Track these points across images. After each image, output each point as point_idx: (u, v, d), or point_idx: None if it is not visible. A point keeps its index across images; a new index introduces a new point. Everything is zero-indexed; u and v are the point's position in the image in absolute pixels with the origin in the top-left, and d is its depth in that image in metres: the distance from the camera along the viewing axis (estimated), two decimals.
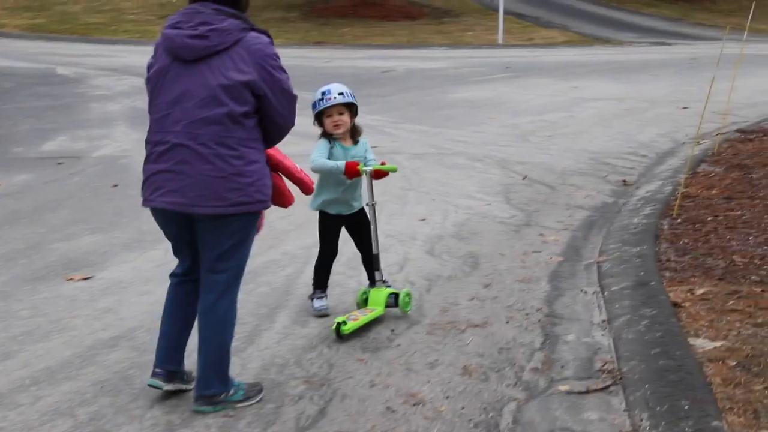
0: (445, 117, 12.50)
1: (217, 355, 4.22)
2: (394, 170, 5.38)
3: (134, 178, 8.94)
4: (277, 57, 4.09)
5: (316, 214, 5.57)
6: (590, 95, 14.89)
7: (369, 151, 5.40)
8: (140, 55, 20.73)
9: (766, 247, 6.20)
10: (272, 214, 7.50)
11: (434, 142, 10.56)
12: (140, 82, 15.68)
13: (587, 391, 4.34)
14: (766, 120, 12.09)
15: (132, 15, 30.62)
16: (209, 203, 3.97)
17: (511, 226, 7.31)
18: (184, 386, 4.36)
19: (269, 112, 4.09)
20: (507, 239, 6.94)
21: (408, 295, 5.45)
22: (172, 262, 6.28)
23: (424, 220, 7.34)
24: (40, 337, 5.05)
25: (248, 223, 4.15)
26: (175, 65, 3.98)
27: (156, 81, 4.05)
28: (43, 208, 7.78)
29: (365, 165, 5.29)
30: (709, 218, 6.97)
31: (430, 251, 6.62)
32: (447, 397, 4.28)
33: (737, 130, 11.11)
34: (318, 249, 5.55)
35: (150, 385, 4.28)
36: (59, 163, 9.66)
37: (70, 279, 6.03)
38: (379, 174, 5.32)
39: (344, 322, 5.00)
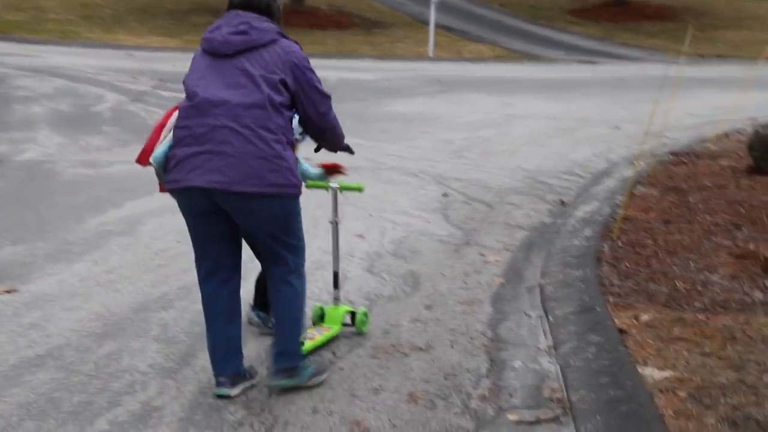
0: (380, 130, 12.36)
1: (294, 328, 4.41)
2: (360, 189, 5.25)
3: (59, 184, 8.66)
4: (308, 61, 4.32)
5: None
6: (523, 112, 14.90)
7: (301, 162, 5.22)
8: (63, 56, 20.28)
9: (707, 273, 6.17)
10: None
11: (369, 156, 10.38)
12: (63, 83, 15.18)
13: (537, 421, 4.22)
14: (697, 142, 12.19)
15: (54, 14, 29.89)
16: (250, 181, 4.06)
17: (450, 244, 7.18)
18: (249, 383, 4.50)
19: (304, 108, 4.32)
20: (447, 258, 6.82)
21: (365, 314, 5.32)
22: (99, 276, 6.08)
23: (361, 236, 7.18)
24: None
25: (290, 205, 4.27)
26: (215, 61, 4.19)
27: (194, 73, 4.24)
28: None
29: (312, 178, 5.12)
30: (649, 242, 6.93)
31: (369, 269, 6.46)
32: (393, 426, 4.12)
33: (670, 152, 11.17)
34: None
35: (218, 396, 4.36)
36: None
37: None
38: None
39: (301, 343, 4.81)
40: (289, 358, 4.40)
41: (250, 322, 5.29)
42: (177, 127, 4.24)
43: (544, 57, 28.66)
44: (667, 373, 4.55)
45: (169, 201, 7.89)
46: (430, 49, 28.03)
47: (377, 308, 5.65)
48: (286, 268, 4.36)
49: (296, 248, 4.41)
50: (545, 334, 5.35)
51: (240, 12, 4.30)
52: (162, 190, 4.56)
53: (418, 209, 8.25)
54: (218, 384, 4.40)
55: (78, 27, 28.34)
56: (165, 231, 7.18)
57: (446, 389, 4.54)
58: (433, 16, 28.41)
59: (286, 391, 4.44)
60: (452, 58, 27.57)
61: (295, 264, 4.40)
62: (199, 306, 5.51)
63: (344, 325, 5.25)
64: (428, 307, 5.74)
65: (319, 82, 4.36)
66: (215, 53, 4.20)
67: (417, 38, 30.54)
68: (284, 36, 4.30)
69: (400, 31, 32.89)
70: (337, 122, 4.57)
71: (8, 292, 5.72)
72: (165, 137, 4.39)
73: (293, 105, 4.30)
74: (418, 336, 5.25)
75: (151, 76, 16.98)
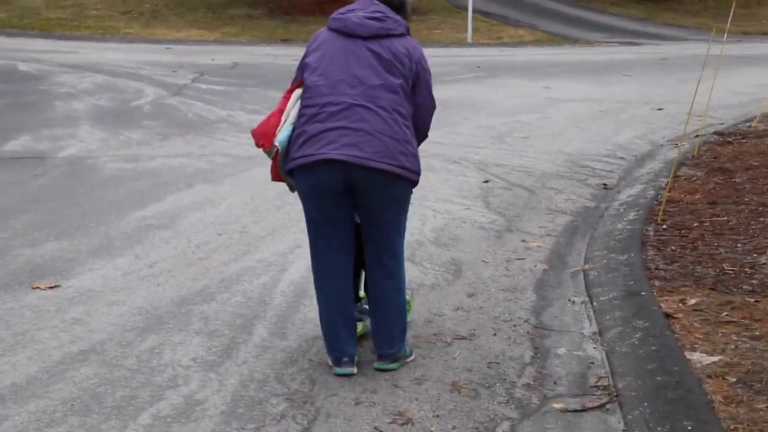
0: None
1: (400, 314, 4.57)
2: None
3: (100, 179, 8.70)
4: (427, 62, 4.50)
5: (291, 219, 5.31)
6: (563, 96, 14.73)
7: None
8: (104, 52, 20.41)
9: (755, 255, 6.05)
10: (244, 218, 7.32)
11: None
12: (103, 79, 15.30)
13: (583, 409, 4.16)
14: (742, 122, 11.98)
15: (94, 11, 30.07)
16: (385, 160, 4.19)
17: (492, 231, 7.11)
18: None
19: (414, 106, 4.43)
20: (489, 245, 6.75)
21: (409, 302, 5.22)
22: (141, 270, 6.10)
23: None
24: (4, 350, 4.77)
25: (408, 191, 4.41)
26: (344, 41, 4.34)
27: (323, 51, 4.37)
28: (5, 212, 7.45)
29: None
30: (695, 224, 6.81)
31: (411, 258, 6.39)
32: (437, 416, 4.08)
33: (715, 133, 10.98)
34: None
35: (340, 374, 4.46)
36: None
37: (36, 287, 5.73)
38: None
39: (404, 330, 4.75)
40: (395, 344, 4.54)
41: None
42: (307, 106, 4.33)
43: (584, 39, 28.37)
44: (715, 358, 4.46)
45: (208, 194, 7.98)
46: (469, 35, 27.85)
47: (419, 297, 5.60)
48: (393, 253, 4.49)
49: (402, 237, 4.55)
50: (590, 320, 5.27)
51: (375, 0, 4.46)
52: (274, 178, 4.61)
53: (459, 196, 8.17)
54: (341, 364, 4.49)
55: (117, 23, 28.52)
56: (206, 224, 7.17)
57: (490, 378, 4.49)
58: (471, 1, 28.22)
59: (328, 382, 4.42)
60: (491, 43, 27.38)
61: (400, 249, 4.54)
62: (239, 299, 5.58)
63: None
64: (471, 295, 5.68)
65: (432, 85, 4.51)
66: (350, 33, 4.34)
67: (455, 24, 30.35)
68: (409, 33, 4.49)
69: (438, 18, 32.68)
70: (428, 130, 4.69)
71: (51, 287, 5.75)
72: (285, 121, 4.42)
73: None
74: (460, 324, 5.19)
75: (190, 69, 17.02)
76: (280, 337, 5.00)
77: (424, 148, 9.52)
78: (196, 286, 5.82)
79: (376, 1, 4.47)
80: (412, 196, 4.56)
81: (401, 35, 4.40)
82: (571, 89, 15.58)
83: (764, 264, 5.87)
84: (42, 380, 4.42)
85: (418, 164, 4.40)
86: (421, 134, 4.60)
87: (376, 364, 4.58)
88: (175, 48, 22.27)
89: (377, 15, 4.37)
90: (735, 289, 5.44)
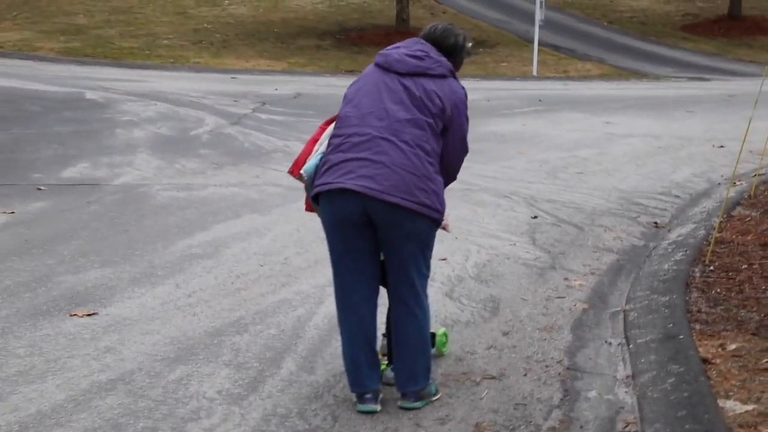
0: (474, 151, 11.89)
1: (423, 351, 4.49)
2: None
3: (151, 207, 8.80)
4: (467, 108, 4.52)
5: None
6: (624, 131, 14.54)
7: None
8: (171, 81, 20.72)
9: None
10: (288, 250, 7.33)
11: (461, 177, 9.97)
12: (166, 107, 15.56)
13: None
14: None
15: (166, 40, 30.63)
16: (400, 194, 4.19)
17: (534, 268, 7.02)
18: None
19: (444, 147, 4.42)
20: (530, 283, 6.66)
21: (445, 335, 5.26)
22: (179, 300, 6.14)
23: (444, 259, 7.05)
24: (35, 377, 4.83)
25: (428, 228, 4.37)
26: (385, 75, 4.41)
27: (362, 84, 4.48)
28: (55, 238, 7.58)
29: None
30: (743, 266, 6.64)
31: (449, 294, 6.35)
32: None
33: None
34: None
35: (363, 411, 4.43)
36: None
37: (74, 315, 5.81)
38: None
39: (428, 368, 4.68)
40: (419, 382, 4.48)
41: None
42: (334, 135, 4.40)
43: (652, 74, 28.05)
44: (750, 407, 4.32)
45: (255, 224, 8.02)
46: (534, 68, 27.73)
47: (453, 334, 5.53)
48: (413, 290, 4.43)
49: (424, 275, 4.48)
50: (624, 363, 5.15)
51: (423, 40, 4.55)
52: (308, 209, 4.71)
53: (506, 232, 8.09)
54: (364, 401, 4.46)
55: (188, 52, 28.98)
56: (249, 254, 7.21)
57: (515, 420, 4.41)
58: (537, 35, 28.12)
59: (351, 420, 4.38)
60: (557, 76, 27.21)
61: (422, 287, 4.47)
62: (272, 332, 5.58)
63: None
64: (505, 334, 5.60)
65: (467, 130, 4.52)
66: (388, 68, 4.42)
67: (522, 57, 30.27)
68: (455, 77, 4.49)
69: (505, 50, 32.62)
70: (457, 173, 4.69)
71: (89, 315, 5.81)
72: (317, 150, 4.53)
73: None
74: (492, 363, 5.12)
75: (253, 99, 17.19)
76: (308, 372, 4.98)
77: (475, 182, 9.51)
78: (231, 317, 5.84)
79: (424, 41, 4.54)
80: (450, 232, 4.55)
81: (441, 76, 4.43)
82: (632, 124, 15.37)
83: None
84: (67, 409, 4.46)
85: (440, 202, 4.37)
86: (448, 176, 4.58)
87: (399, 402, 4.54)
88: (241, 78, 22.52)
89: (418, 54, 4.43)
90: None
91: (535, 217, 8.64)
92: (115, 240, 7.61)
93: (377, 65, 4.50)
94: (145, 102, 15.91)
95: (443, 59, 4.47)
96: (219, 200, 9.11)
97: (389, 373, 4.71)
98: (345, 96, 4.56)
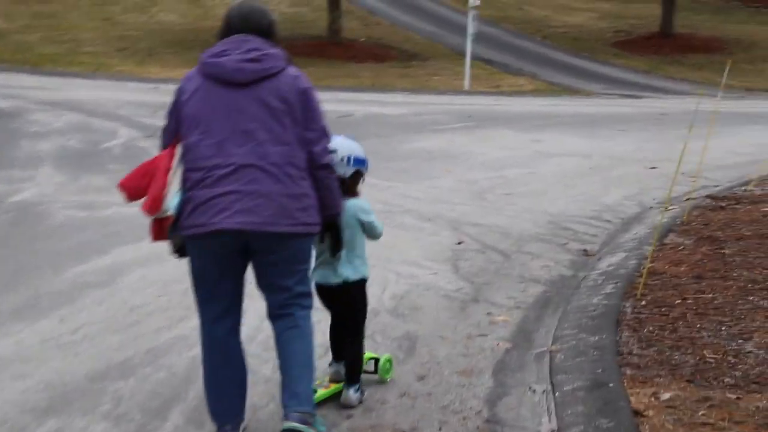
0: (398, 169, 11.62)
1: (308, 370, 4.20)
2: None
3: (47, 228, 8.14)
4: (314, 90, 4.17)
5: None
6: (553, 150, 14.17)
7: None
8: (90, 89, 19.95)
9: (740, 341, 5.46)
10: (187, 280, 6.73)
11: (383, 198, 9.68)
12: (79, 118, 14.80)
13: None
14: (738, 185, 11.37)
15: (90, 47, 29.77)
16: (283, 222, 3.94)
17: (456, 301, 6.52)
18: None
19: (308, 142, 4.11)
20: (450, 318, 6.16)
21: (389, 360, 4.99)
22: (62, 336, 5.51)
23: None
24: None
25: (309, 243, 4.20)
26: (223, 91, 3.97)
27: (200, 104, 3.98)
28: None
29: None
30: (677, 301, 6.22)
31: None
32: None
33: (708, 196, 10.37)
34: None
35: None
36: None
37: None
38: None
39: (314, 390, 4.37)
40: (303, 402, 4.12)
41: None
42: (191, 169, 3.97)
43: (584, 90, 27.93)
44: None
45: (157, 249, 7.35)
46: (466, 82, 27.42)
47: (364, 376, 4.99)
48: (299, 312, 4.18)
49: (308, 293, 4.27)
50: (549, 415, 4.67)
51: (247, 36, 4.09)
52: (156, 238, 4.18)
53: (427, 259, 7.59)
54: None
55: (112, 59, 28.18)
56: (147, 283, 6.62)
57: None
58: (469, 49, 27.83)
59: None
60: (489, 91, 26.92)
61: (308, 307, 4.24)
62: (161, 375, 5.00)
63: (366, 372, 4.84)
64: (421, 378, 5.09)
65: (322, 114, 4.16)
66: (228, 81, 3.97)
67: (454, 71, 29.94)
68: (290, 62, 4.16)
69: (438, 63, 32.33)
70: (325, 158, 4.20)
71: None
72: (171, 182, 4.02)
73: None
74: (403, 415, 4.60)
75: None
76: (196, 425, 4.42)
77: (398, 203, 8.99)
78: (118, 358, 5.26)
79: (249, 37, 4.09)
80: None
81: (282, 70, 4.05)
82: (562, 143, 15.05)
83: (749, 352, 5.28)
84: None
85: (317, 212, 4.13)
86: (318, 165, 4.15)
87: (283, 425, 4.07)
88: (163, 87, 21.74)
89: (254, 56, 4.00)
90: (715, 382, 4.86)
91: (460, 243, 8.16)
92: (2, 265, 6.95)
93: (210, 77, 4.00)
94: (57, 112, 15.20)
95: (275, 50, 4.09)
96: (122, 221, 8.45)
97: (347, 393, 4.62)
98: (182, 119, 4.02)
